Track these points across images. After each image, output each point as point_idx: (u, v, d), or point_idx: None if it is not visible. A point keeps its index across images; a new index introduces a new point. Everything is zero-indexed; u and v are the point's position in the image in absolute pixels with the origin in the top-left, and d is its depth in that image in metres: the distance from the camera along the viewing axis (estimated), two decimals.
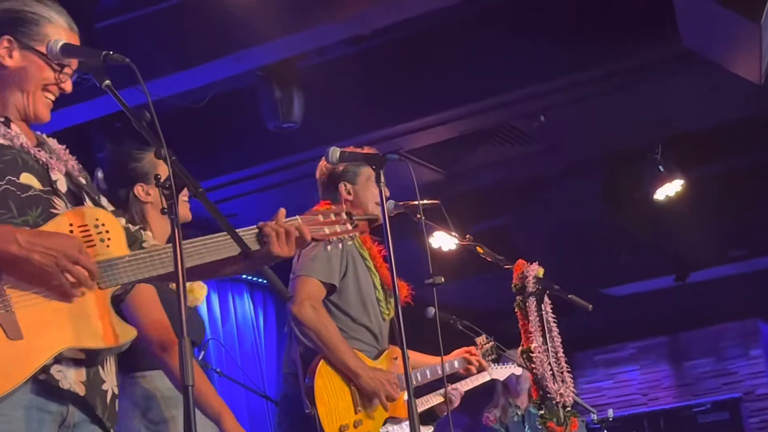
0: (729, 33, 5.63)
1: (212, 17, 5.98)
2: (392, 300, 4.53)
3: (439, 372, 4.67)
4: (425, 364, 4.82)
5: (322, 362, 4.32)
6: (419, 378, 4.74)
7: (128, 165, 3.70)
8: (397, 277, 4.12)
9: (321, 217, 2.99)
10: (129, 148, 3.74)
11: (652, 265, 10.79)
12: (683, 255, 10.52)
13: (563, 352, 4.76)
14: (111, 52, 2.59)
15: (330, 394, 4.30)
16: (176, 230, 2.39)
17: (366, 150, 4.32)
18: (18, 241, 2.42)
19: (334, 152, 3.87)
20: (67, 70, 2.78)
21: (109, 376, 2.66)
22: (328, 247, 3.03)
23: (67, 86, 2.81)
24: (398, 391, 4.41)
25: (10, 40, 2.74)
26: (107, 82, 2.57)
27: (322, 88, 6.95)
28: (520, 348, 4.72)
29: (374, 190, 4.45)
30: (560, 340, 4.74)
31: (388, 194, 4.24)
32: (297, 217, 2.97)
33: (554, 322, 4.75)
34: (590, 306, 4.79)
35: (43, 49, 2.73)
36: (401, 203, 4.67)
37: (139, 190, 3.66)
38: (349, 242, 3.99)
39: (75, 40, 2.82)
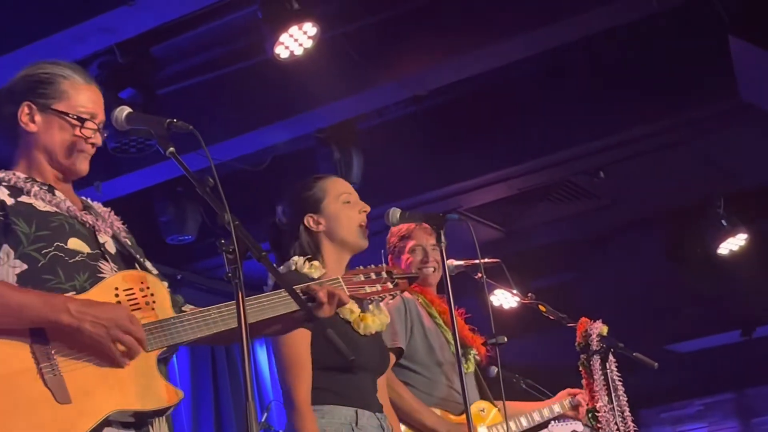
0: None
1: (271, 81, 6.07)
2: (471, 354, 4.49)
3: (537, 419, 4.68)
4: (524, 412, 4.73)
5: (403, 427, 4.25)
6: (524, 424, 4.66)
7: (299, 195, 3.64)
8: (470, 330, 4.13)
9: (362, 277, 3.06)
10: (304, 180, 3.69)
11: (717, 321, 10.61)
12: (749, 310, 10.33)
13: (629, 411, 4.68)
14: (175, 120, 2.63)
15: None
16: (240, 293, 2.39)
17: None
18: (69, 311, 2.43)
19: (394, 213, 3.87)
20: (89, 124, 2.77)
21: None
22: (370, 306, 3.04)
23: (96, 140, 2.80)
24: None
25: (30, 105, 2.76)
26: (171, 149, 2.59)
27: (381, 147, 6.99)
28: (586, 407, 4.66)
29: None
30: (626, 398, 4.67)
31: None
32: (338, 277, 3.03)
33: (619, 380, 4.68)
34: (656, 364, 4.72)
35: (62, 108, 2.75)
36: (462, 262, 4.65)
37: (309, 220, 3.58)
38: (403, 297, 4.00)
39: (95, 92, 2.83)
